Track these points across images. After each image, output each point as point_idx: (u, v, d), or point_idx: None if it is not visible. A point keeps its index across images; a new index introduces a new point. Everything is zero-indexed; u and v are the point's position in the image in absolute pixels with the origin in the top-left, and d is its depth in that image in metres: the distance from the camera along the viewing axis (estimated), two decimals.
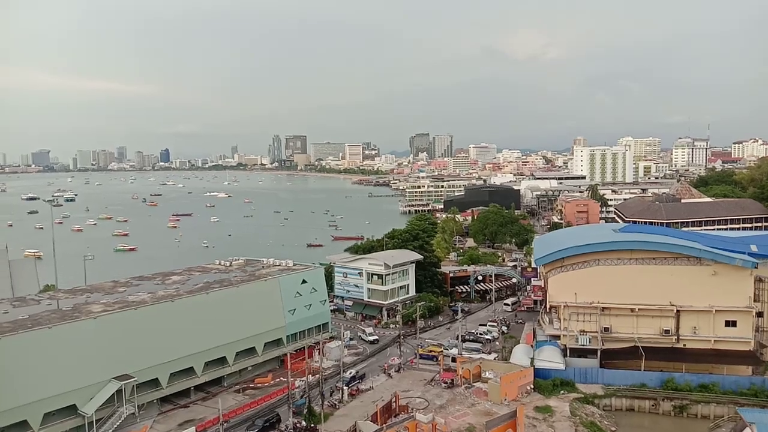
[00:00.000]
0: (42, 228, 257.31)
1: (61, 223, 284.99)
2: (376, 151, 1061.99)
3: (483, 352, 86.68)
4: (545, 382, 73.38)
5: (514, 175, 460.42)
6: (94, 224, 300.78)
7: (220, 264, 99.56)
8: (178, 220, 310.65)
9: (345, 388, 74.25)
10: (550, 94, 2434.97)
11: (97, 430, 62.51)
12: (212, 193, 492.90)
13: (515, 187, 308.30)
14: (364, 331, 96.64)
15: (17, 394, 58.60)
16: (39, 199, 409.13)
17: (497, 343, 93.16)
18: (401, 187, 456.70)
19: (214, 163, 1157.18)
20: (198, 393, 76.10)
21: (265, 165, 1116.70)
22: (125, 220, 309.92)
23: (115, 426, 63.89)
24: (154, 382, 70.28)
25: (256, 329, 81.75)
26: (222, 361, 77.99)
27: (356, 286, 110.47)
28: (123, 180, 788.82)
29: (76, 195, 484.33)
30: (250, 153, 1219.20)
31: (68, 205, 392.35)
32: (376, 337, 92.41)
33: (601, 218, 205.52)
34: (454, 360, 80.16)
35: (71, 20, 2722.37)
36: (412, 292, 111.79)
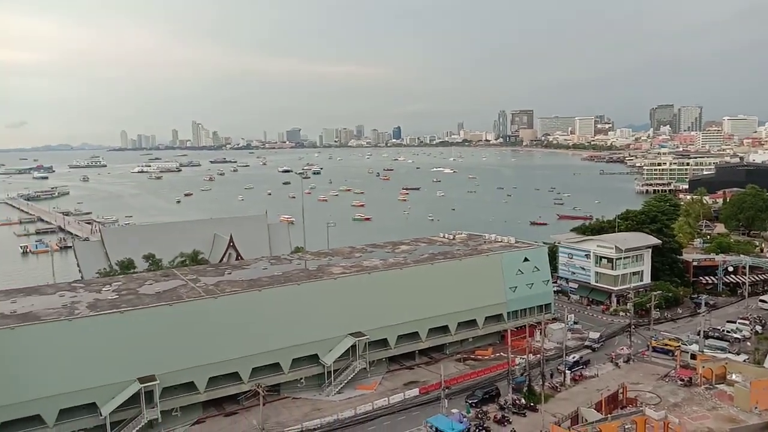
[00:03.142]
0: (294, 197, 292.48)
1: (309, 193, 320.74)
2: (610, 125, 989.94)
3: (730, 352, 77.00)
4: None
5: None
6: (336, 195, 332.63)
7: (444, 237, 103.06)
8: (407, 193, 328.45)
9: (567, 372, 72.05)
10: None
11: (334, 380, 70.07)
12: (438, 169, 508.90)
13: None
14: (588, 337, 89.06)
15: (271, 339, 68.12)
16: (291, 171, 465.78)
17: (748, 343, 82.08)
18: (638, 164, 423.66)
19: (440, 140, 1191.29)
20: (422, 357, 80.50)
21: (489, 141, 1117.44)
22: (362, 192, 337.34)
23: (350, 378, 70.88)
24: (383, 342, 76.03)
25: (476, 302, 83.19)
26: (444, 329, 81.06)
27: (582, 268, 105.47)
28: (360, 156, 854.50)
29: (321, 169, 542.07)
30: (476, 129, 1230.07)
31: (315, 178, 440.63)
32: (596, 346, 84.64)
33: None
34: (693, 357, 72.38)
35: (322, 13, 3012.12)
36: (647, 279, 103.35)
